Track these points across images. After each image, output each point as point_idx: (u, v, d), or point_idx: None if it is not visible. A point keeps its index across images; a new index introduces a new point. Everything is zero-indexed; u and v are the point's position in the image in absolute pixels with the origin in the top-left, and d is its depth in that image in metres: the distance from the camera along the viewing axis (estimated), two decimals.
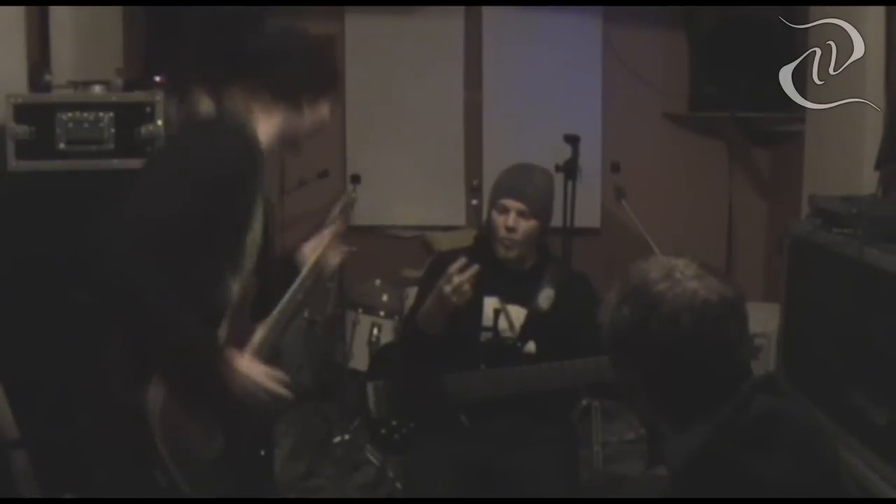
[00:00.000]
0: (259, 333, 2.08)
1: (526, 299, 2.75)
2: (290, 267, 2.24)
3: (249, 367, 1.97)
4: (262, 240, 2.11)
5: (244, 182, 1.96)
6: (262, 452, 3.47)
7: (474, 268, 2.56)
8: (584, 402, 3.98)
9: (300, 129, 2.16)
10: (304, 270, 2.20)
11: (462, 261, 2.59)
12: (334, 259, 2.28)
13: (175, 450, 1.87)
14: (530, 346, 2.73)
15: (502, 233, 2.72)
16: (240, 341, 2.03)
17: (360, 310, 4.12)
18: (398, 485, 3.50)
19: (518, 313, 2.75)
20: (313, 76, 2.16)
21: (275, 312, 2.12)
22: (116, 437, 1.91)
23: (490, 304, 2.76)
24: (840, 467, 1.45)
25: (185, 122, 2.11)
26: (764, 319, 3.57)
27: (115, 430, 1.90)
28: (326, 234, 2.30)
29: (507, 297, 2.76)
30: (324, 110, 2.20)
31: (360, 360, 3.94)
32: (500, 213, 2.73)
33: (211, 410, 1.96)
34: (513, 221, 2.69)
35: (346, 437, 3.94)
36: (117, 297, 1.82)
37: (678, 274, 1.45)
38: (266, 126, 2.08)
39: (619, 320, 1.47)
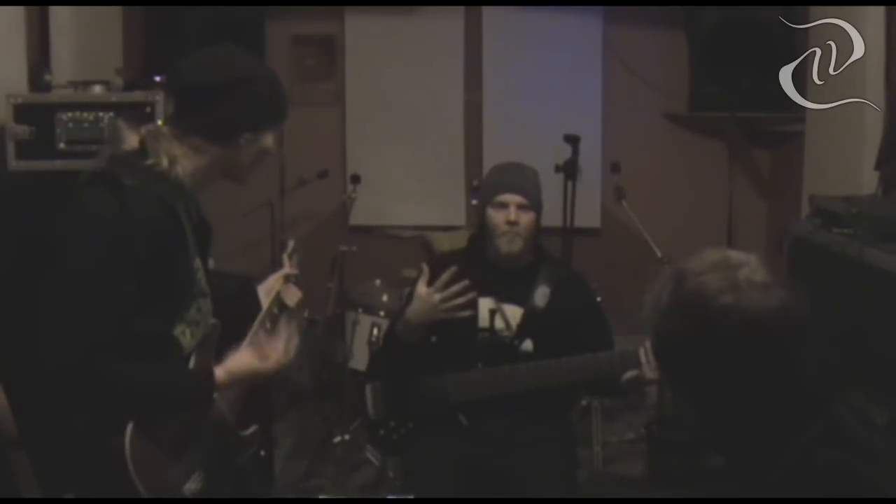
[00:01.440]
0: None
1: (522, 298, 2.76)
2: (250, 303, 2.23)
3: (232, 366, 1.97)
4: (206, 279, 2.03)
5: (163, 247, 1.84)
6: (262, 452, 3.47)
7: (462, 284, 2.61)
8: (584, 402, 3.98)
9: (238, 164, 2.00)
10: (262, 313, 2.20)
11: (452, 269, 2.62)
12: (290, 300, 2.26)
13: (152, 485, 1.84)
14: (527, 345, 2.73)
15: (504, 228, 2.73)
16: None
17: (360, 310, 4.12)
18: (398, 485, 3.49)
19: (514, 312, 2.75)
20: (252, 114, 1.95)
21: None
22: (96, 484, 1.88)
23: (485, 304, 2.76)
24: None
25: (94, 180, 1.85)
26: None
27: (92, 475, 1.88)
28: (278, 278, 2.29)
29: (503, 297, 2.76)
30: (266, 142, 2.01)
31: (360, 360, 3.94)
32: (500, 210, 2.74)
33: (188, 446, 1.94)
34: (514, 215, 2.71)
35: (346, 437, 3.94)
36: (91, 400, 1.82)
37: (744, 283, 1.25)
38: (198, 163, 1.93)
39: (671, 329, 1.29)
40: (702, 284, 1.26)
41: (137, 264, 1.80)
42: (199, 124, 1.91)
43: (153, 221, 1.83)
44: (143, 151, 1.90)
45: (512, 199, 2.72)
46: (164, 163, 1.88)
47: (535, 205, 2.75)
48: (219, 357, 2.04)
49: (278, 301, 2.25)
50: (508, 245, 2.74)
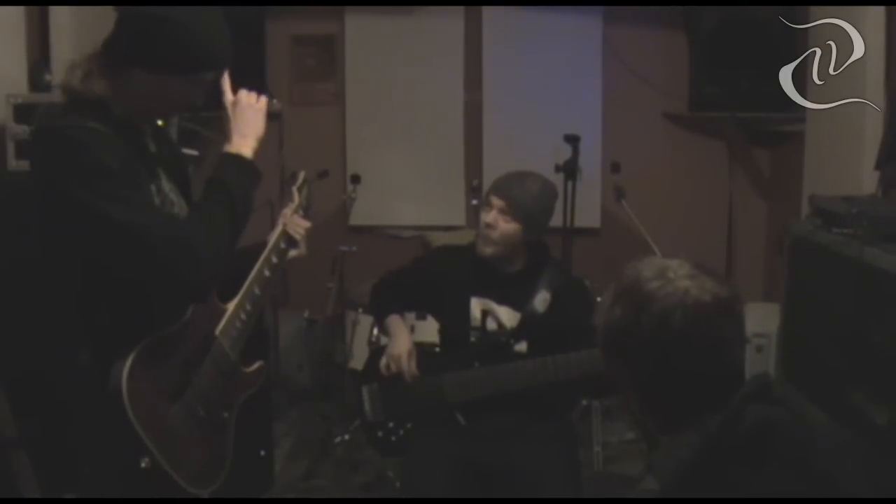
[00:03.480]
0: (229, 311, 2.06)
1: (519, 302, 2.75)
2: (260, 246, 2.21)
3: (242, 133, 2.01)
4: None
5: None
6: (263, 452, 3.48)
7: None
8: (584, 402, 3.98)
9: (139, 99, 1.91)
10: (269, 245, 2.18)
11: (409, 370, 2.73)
12: (297, 232, 2.23)
13: (150, 425, 1.84)
14: (521, 346, 2.74)
15: (481, 227, 2.75)
16: (208, 321, 2.02)
17: (360, 310, 4.12)
18: (398, 484, 3.50)
19: (508, 315, 2.76)
20: (144, 53, 1.85)
21: (243, 290, 2.09)
22: (94, 426, 1.87)
23: (478, 304, 2.77)
24: (841, 477, 1.40)
25: (48, 129, 1.86)
26: (764, 319, 3.58)
27: (91, 418, 1.88)
28: (286, 211, 2.27)
29: (499, 300, 2.77)
30: (170, 87, 1.90)
31: (360, 360, 3.93)
32: (486, 210, 2.75)
33: (188, 384, 1.94)
34: (492, 218, 2.71)
35: (346, 437, 3.94)
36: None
37: (671, 273, 1.42)
38: (110, 86, 1.87)
39: (611, 320, 1.45)
40: (636, 275, 1.44)
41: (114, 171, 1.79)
42: (109, 49, 1.89)
43: (100, 146, 1.79)
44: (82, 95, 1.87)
45: (495, 202, 2.73)
46: (79, 75, 1.86)
47: (518, 215, 2.70)
48: (224, 296, 2.05)
49: (285, 235, 2.21)
50: (482, 246, 2.75)
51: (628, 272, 1.47)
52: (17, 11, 3.26)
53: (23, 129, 2.93)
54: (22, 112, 2.95)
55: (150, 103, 1.95)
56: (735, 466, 1.36)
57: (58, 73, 3.25)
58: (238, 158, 1.98)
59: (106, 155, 1.79)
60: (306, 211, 2.33)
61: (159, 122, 2.15)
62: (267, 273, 2.15)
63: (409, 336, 2.80)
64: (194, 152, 3.43)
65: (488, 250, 2.73)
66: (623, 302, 1.44)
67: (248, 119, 2.02)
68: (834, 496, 1.38)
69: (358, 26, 4.91)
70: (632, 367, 1.44)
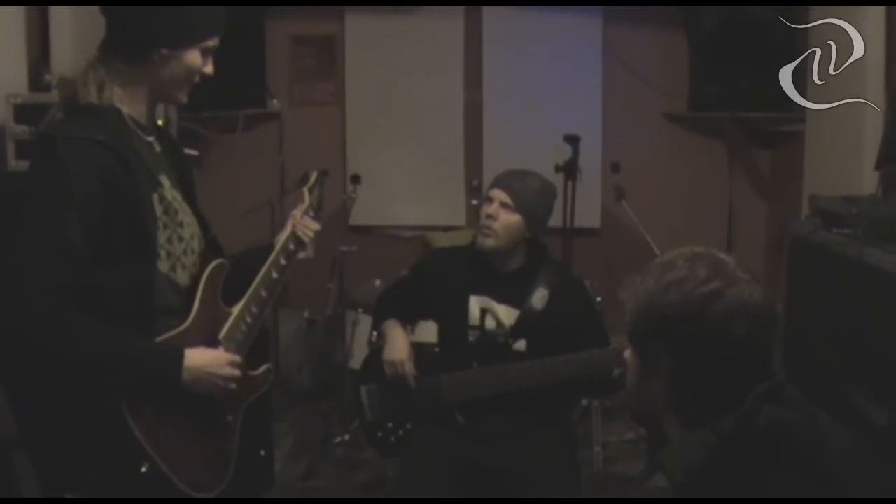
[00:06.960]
0: (233, 314, 2.05)
1: (517, 300, 2.75)
2: (267, 248, 2.21)
3: (199, 357, 1.91)
4: (195, 220, 2.01)
5: (108, 187, 1.80)
6: (262, 452, 3.48)
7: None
8: (584, 402, 3.98)
9: (162, 84, 1.93)
10: (277, 247, 2.18)
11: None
12: (305, 234, 2.22)
13: (151, 431, 1.84)
14: (520, 345, 2.74)
15: (483, 221, 2.75)
16: (212, 325, 2.01)
17: (360, 310, 4.12)
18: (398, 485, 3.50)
19: (507, 313, 2.75)
20: (163, 29, 1.86)
21: (248, 292, 2.08)
22: (95, 430, 1.87)
23: (477, 302, 2.77)
24: (849, 478, 1.41)
25: (35, 147, 1.88)
26: None
27: (94, 425, 1.87)
28: (296, 213, 2.26)
29: (497, 297, 2.77)
30: (190, 59, 1.91)
31: (359, 360, 3.92)
32: (486, 204, 2.77)
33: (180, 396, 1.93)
34: (493, 210, 2.72)
35: (346, 437, 3.94)
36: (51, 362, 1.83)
37: (731, 274, 1.43)
38: (125, 87, 1.89)
39: (664, 305, 1.42)
40: (693, 270, 1.43)
41: (82, 211, 1.77)
42: (116, 45, 1.88)
43: (90, 166, 1.79)
44: (83, 107, 1.86)
45: (497, 194, 2.74)
46: (93, 92, 1.85)
47: (521, 208, 2.72)
48: (229, 299, 2.04)
49: (294, 237, 2.20)
50: (483, 239, 2.75)
51: (681, 262, 1.45)
52: (17, 11, 3.26)
53: (23, 129, 2.93)
54: (22, 112, 2.95)
55: (175, 82, 1.93)
56: (748, 467, 1.36)
57: (58, 74, 3.25)
58: (175, 371, 1.87)
59: (84, 181, 1.77)
60: (317, 212, 2.31)
61: (160, 122, 2.14)
62: (274, 275, 2.15)
63: (405, 339, 2.80)
64: (194, 152, 3.44)
65: (489, 242, 2.73)
66: (682, 289, 1.42)
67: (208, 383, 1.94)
68: (844, 497, 1.38)
69: (358, 26, 4.91)
70: (677, 354, 1.43)
